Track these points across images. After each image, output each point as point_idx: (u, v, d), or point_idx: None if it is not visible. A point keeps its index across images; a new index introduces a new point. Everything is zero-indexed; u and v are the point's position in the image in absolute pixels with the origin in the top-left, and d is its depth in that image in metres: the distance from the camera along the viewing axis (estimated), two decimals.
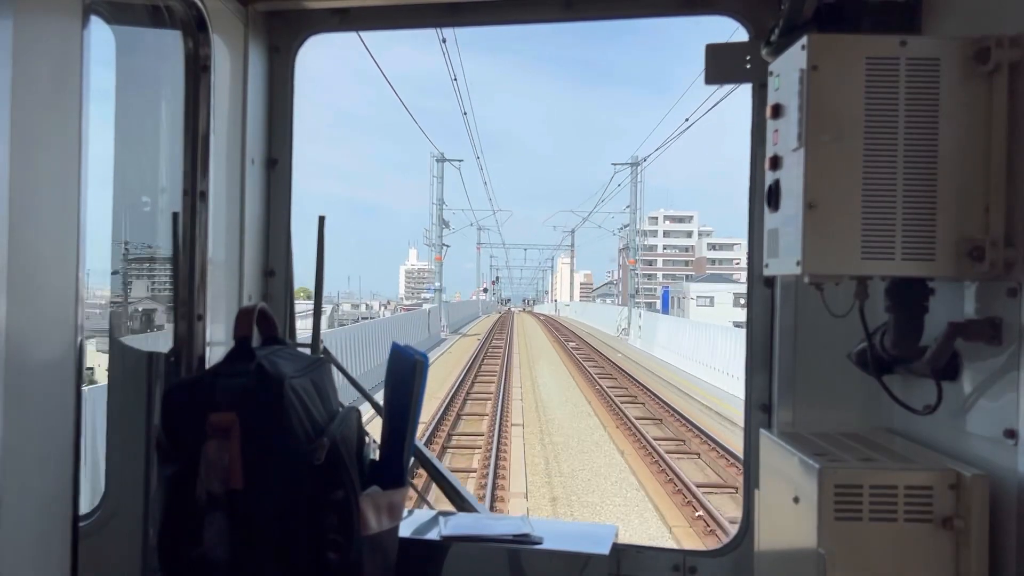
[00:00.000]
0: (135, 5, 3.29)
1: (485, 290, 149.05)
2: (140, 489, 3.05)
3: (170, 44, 3.14)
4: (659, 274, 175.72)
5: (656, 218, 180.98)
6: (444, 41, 28.13)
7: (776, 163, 2.26)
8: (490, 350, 45.90)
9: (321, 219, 3.53)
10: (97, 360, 3.26)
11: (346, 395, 3.19)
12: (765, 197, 2.31)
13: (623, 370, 34.09)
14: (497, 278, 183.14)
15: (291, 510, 2.53)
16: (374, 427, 3.03)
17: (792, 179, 2.16)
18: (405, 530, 3.04)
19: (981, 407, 2.13)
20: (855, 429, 2.59)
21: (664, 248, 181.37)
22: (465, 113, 42.28)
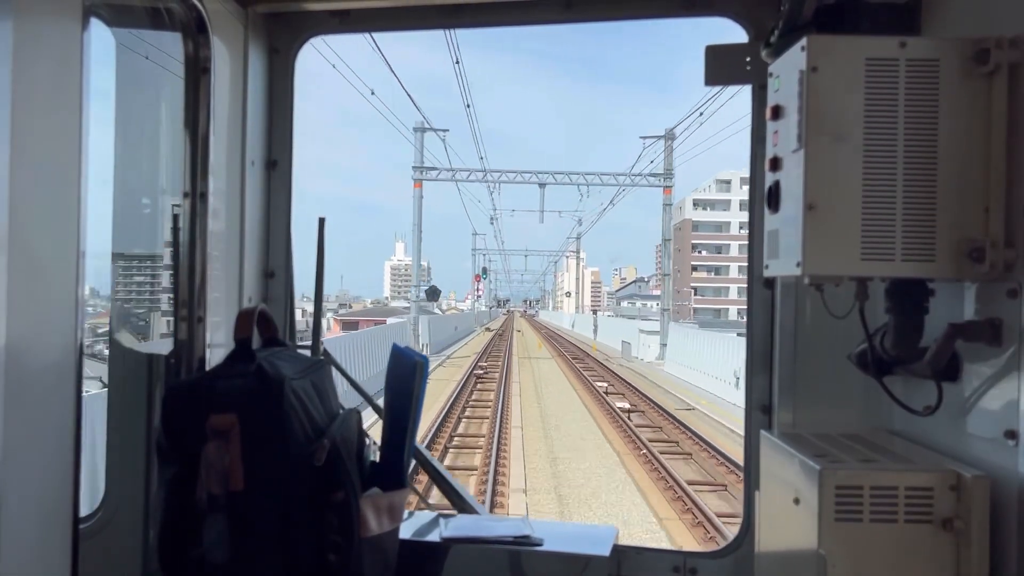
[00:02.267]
0: (135, 7, 3.30)
1: (433, 292, 60.26)
2: (140, 491, 3.05)
3: (170, 46, 3.14)
4: (732, 266, 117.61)
5: (727, 181, 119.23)
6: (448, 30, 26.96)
7: (776, 164, 2.26)
8: None
9: (321, 221, 3.53)
10: (97, 361, 3.26)
11: (347, 398, 3.19)
12: (765, 198, 2.31)
13: None
14: (485, 269, 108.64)
15: (291, 512, 2.53)
16: (375, 430, 3.03)
17: (792, 180, 2.16)
18: (405, 532, 3.04)
19: (981, 408, 2.13)
20: (855, 430, 2.59)
21: (740, 228, 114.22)
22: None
